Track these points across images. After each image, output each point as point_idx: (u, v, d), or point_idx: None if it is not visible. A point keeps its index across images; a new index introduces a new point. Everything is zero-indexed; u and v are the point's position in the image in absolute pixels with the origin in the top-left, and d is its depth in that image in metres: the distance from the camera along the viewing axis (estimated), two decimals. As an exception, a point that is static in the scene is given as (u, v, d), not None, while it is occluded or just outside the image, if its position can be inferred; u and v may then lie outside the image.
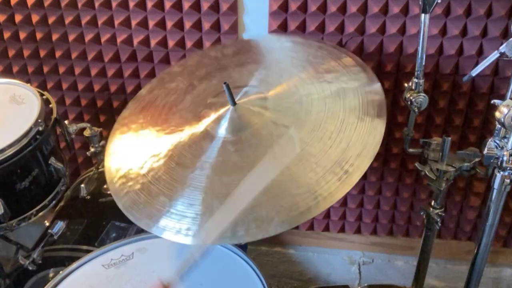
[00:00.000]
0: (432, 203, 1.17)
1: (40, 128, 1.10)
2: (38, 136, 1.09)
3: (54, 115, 1.18)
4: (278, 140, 0.87)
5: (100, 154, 1.34)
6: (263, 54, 1.13)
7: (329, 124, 0.86)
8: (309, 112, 0.90)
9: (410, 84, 1.04)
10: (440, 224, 1.18)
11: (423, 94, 1.03)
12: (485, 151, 0.97)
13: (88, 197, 1.32)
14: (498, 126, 0.94)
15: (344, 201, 1.50)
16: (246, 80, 1.01)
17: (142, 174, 0.91)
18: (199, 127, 0.94)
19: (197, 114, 0.97)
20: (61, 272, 0.97)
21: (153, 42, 1.33)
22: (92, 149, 1.33)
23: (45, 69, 1.44)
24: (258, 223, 0.76)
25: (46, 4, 1.32)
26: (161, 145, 0.94)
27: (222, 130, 0.92)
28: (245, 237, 0.76)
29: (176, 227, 0.81)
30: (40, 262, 1.13)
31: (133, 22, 1.31)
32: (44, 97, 1.19)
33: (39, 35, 1.38)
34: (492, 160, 0.98)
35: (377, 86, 0.92)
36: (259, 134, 0.89)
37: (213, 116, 0.95)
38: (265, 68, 1.05)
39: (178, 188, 0.85)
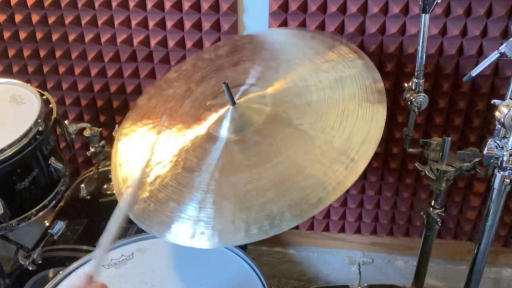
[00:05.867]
0: (432, 203, 1.17)
1: (40, 128, 1.10)
2: (38, 136, 1.09)
3: (54, 115, 1.17)
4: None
5: (100, 154, 1.34)
6: (256, 50, 1.12)
7: (330, 114, 0.86)
8: (309, 104, 0.89)
9: (410, 84, 1.04)
10: (440, 224, 1.18)
11: (423, 94, 1.03)
12: (485, 151, 0.97)
13: (88, 197, 1.32)
14: (498, 126, 0.94)
15: (344, 201, 1.50)
16: (243, 78, 1.01)
17: (149, 182, 0.90)
18: (201, 130, 0.94)
19: (198, 118, 0.97)
20: (61, 272, 0.97)
21: (153, 42, 1.33)
22: (92, 149, 1.33)
23: (45, 69, 1.44)
24: (270, 220, 0.75)
25: (46, 4, 1.32)
26: (165, 151, 0.94)
27: (224, 131, 0.91)
28: (259, 235, 0.75)
29: (190, 232, 0.80)
30: (40, 262, 1.13)
31: (133, 22, 1.31)
32: (44, 97, 1.19)
33: (39, 35, 1.38)
34: (492, 160, 0.98)
35: (374, 71, 0.91)
36: (262, 131, 0.89)
37: (214, 117, 0.95)
38: (260, 65, 1.04)
39: (186, 193, 0.85)
